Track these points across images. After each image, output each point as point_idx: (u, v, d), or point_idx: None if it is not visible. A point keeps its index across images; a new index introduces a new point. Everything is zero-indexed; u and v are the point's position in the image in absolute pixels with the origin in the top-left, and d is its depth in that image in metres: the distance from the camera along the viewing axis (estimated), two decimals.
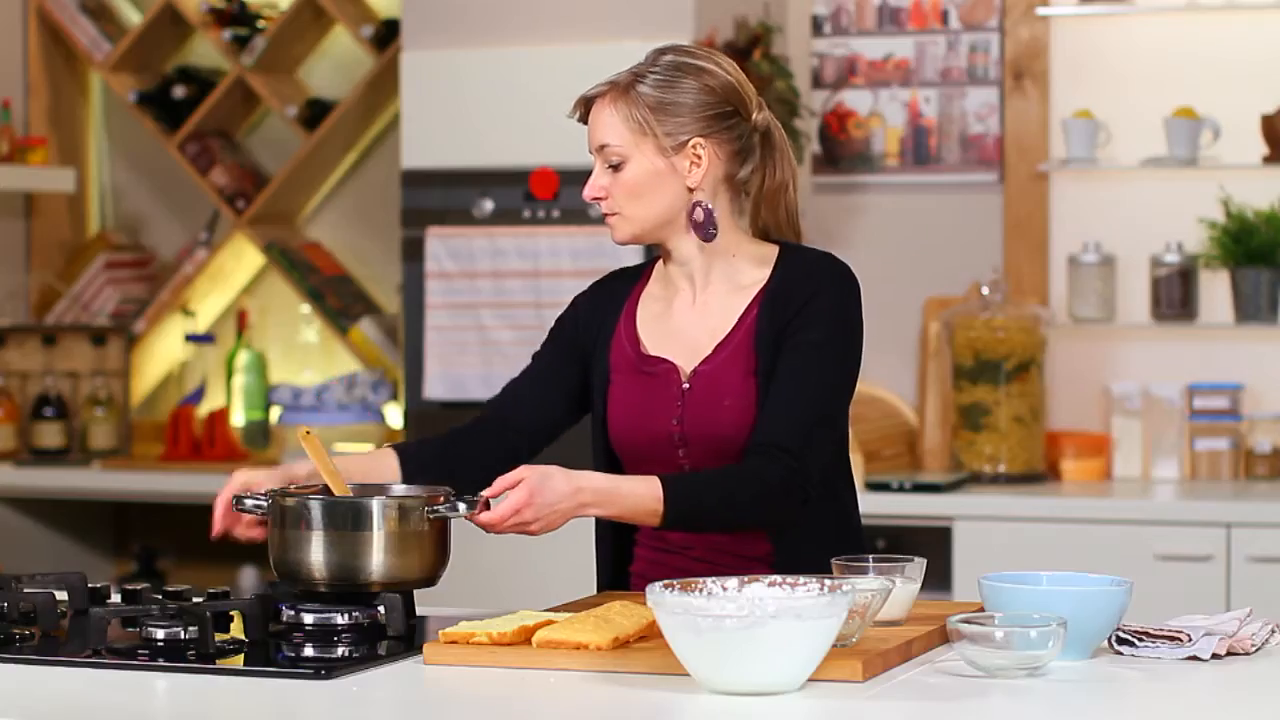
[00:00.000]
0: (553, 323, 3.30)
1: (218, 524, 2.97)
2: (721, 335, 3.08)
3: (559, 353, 3.23)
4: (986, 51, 5.49)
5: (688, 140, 3.05)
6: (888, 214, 5.56)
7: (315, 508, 2.86)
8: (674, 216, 3.08)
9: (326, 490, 2.95)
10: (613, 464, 3.14)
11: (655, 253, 3.18)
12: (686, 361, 3.09)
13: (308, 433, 2.97)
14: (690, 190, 3.07)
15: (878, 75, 5.56)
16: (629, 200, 3.06)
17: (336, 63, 6.06)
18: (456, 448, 3.16)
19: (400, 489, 3.00)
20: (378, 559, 2.85)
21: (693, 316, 3.11)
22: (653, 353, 3.12)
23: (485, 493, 2.87)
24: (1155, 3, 5.33)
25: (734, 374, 3.05)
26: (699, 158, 3.06)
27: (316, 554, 2.85)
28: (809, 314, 3.03)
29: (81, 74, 6.26)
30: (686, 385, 3.08)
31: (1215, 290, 5.33)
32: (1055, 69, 5.43)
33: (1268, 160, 5.21)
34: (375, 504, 2.86)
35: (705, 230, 3.07)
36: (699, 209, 3.07)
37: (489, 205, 5.21)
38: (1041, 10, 5.38)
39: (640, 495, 2.92)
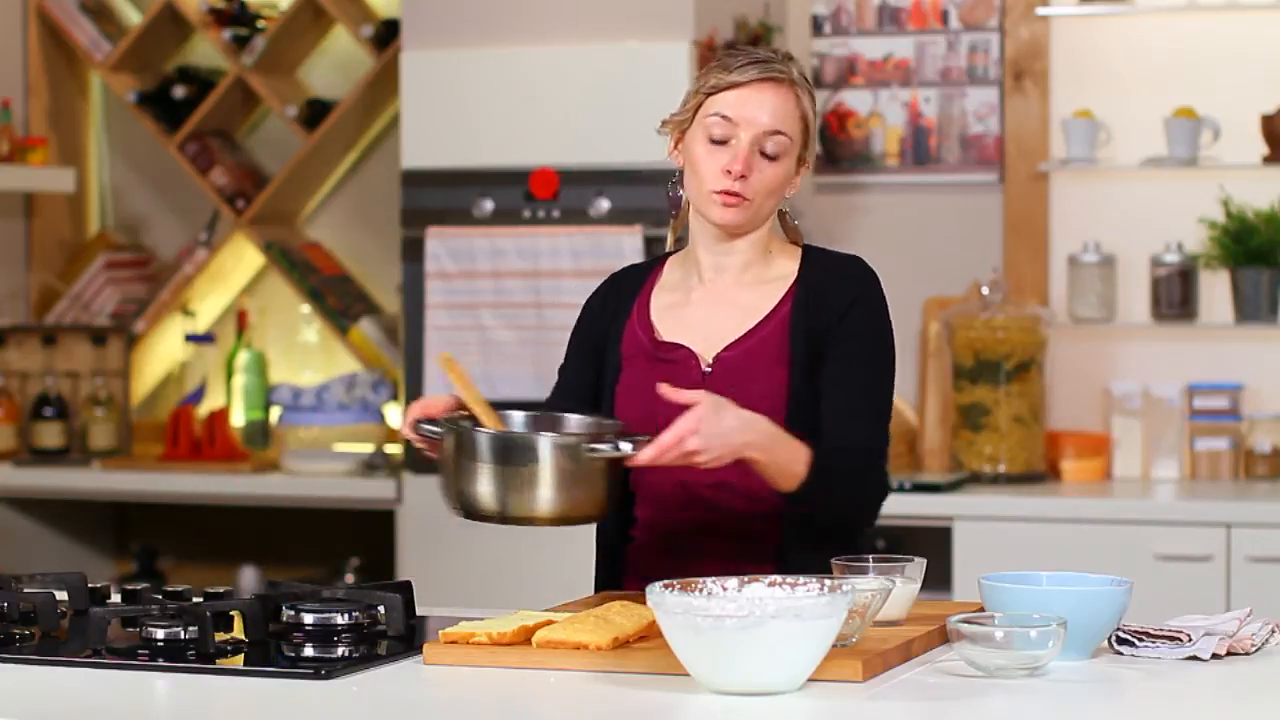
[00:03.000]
0: (570, 330, 3.29)
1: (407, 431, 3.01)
2: (750, 324, 3.09)
3: (581, 361, 3.23)
4: (986, 51, 5.49)
5: (806, 158, 3.11)
6: (888, 214, 5.56)
7: (484, 441, 2.86)
8: (766, 220, 3.12)
9: (475, 419, 2.95)
10: None
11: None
12: (704, 348, 3.09)
13: (449, 359, 2.98)
14: (785, 199, 3.12)
15: (878, 75, 5.56)
16: (766, 193, 3.06)
17: (336, 63, 6.06)
18: None
19: (575, 422, 2.99)
20: (542, 492, 2.84)
21: (716, 306, 3.11)
22: (667, 339, 3.12)
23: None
24: (1155, 3, 5.33)
25: (763, 361, 3.06)
26: (799, 173, 3.12)
27: (485, 486, 2.85)
28: (857, 319, 3.06)
29: (81, 74, 6.26)
30: (708, 369, 3.08)
31: (1215, 290, 5.33)
32: (1055, 69, 5.43)
33: (1268, 160, 5.21)
34: (543, 440, 2.85)
35: (798, 233, 3.16)
36: (790, 216, 3.16)
37: (489, 205, 5.21)
38: (1041, 10, 5.38)
39: (793, 454, 2.92)
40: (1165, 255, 5.27)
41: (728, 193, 3.03)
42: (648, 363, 3.12)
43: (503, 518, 2.87)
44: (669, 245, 3.26)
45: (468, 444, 2.87)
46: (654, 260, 3.26)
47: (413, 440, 3.01)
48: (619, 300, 3.20)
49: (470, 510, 2.88)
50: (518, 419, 3.02)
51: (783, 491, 2.96)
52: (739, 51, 3.09)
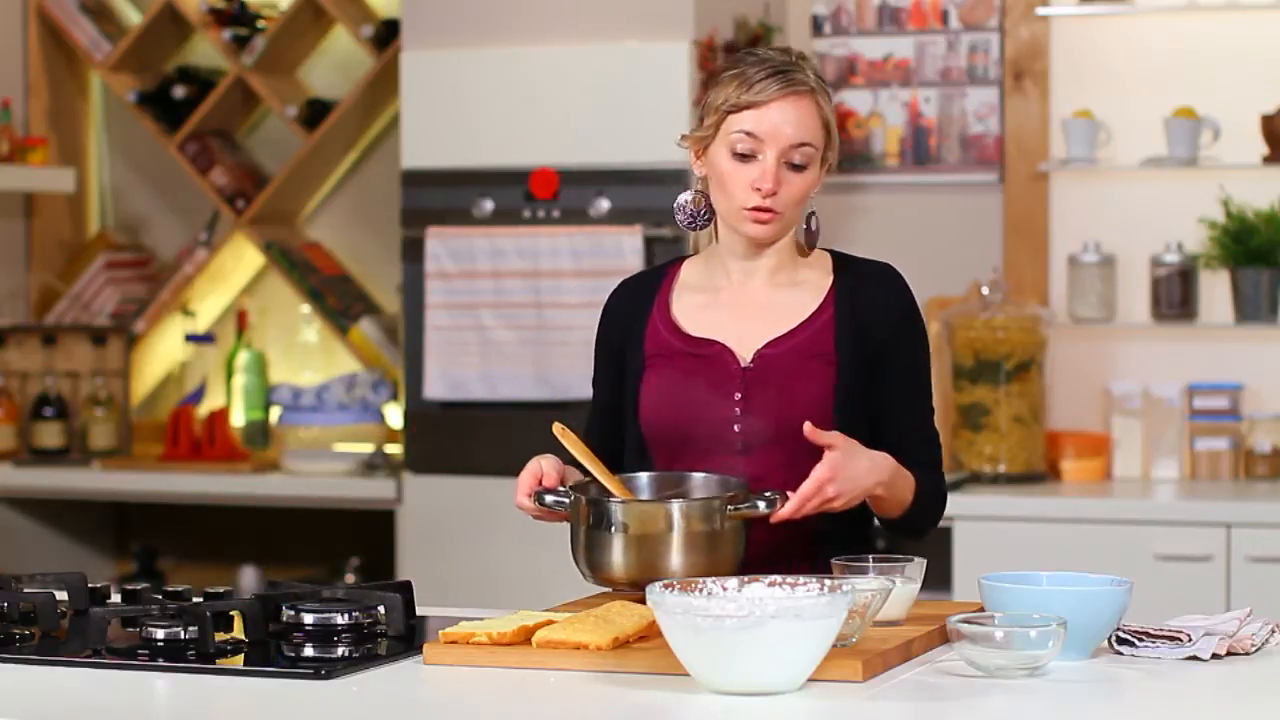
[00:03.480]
0: (593, 341, 3.29)
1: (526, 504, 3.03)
2: (791, 324, 3.10)
3: (608, 374, 3.23)
4: (986, 51, 5.49)
5: (830, 158, 3.11)
6: (888, 214, 5.56)
7: (617, 509, 2.89)
8: (795, 225, 3.13)
9: (593, 486, 2.98)
10: (644, 453, 3.14)
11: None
12: (740, 346, 3.10)
13: (564, 429, 2.99)
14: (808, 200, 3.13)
15: (878, 75, 5.56)
16: (795, 204, 3.07)
17: (336, 63, 6.06)
18: None
19: (699, 483, 3.00)
20: (677, 559, 2.86)
21: (749, 306, 3.12)
22: (699, 336, 3.13)
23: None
24: (1155, 3, 5.33)
25: (807, 361, 3.08)
26: (823, 173, 3.12)
27: (618, 554, 2.88)
28: (908, 333, 3.12)
29: (81, 74, 6.26)
30: (749, 365, 3.09)
31: (1215, 290, 5.33)
32: (1055, 69, 5.43)
33: (1268, 160, 5.21)
34: (676, 506, 2.89)
35: (814, 240, 3.14)
36: (813, 218, 3.13)
37: (489, 205, 5.21)
38: (1041, 10, 5.37)
39: (908, 484, 3.03)
40: (1165, 255, 5.27)
41: (759, 209, 3.04)
42: (677, 359, 3.13)
43: (640, 585, 2.89)
44: (692, 249, 3.26)
45: (602, 514, 2.90)
46: (664, 264, 3.26)
47: (529, 512, 3.03)
48: (635, 304, 3.20)
49: (606, 578, 2.92)
50: (642, 481, 3.04)
51: (888, 517, 3.05)
52: (755, 60, 3.07)
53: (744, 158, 3.04)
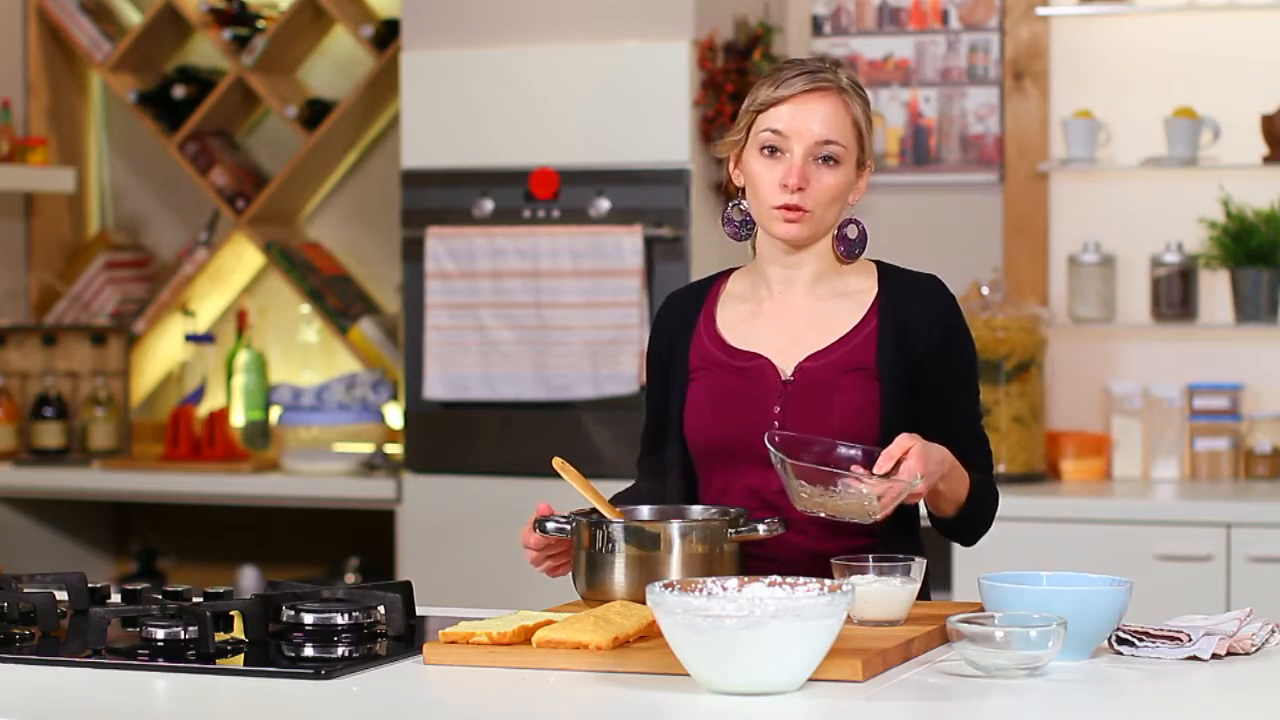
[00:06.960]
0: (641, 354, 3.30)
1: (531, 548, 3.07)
2: (834, 336, 3.10)
3: (659, 387, 3.23)
4: (986, 51, 5.49)
5: (867, 160, 3.12)
6: (888, 214, 5.56)
7: (618, 530, 2.91)
8: (832, 228, 3.12)
9: (595, 513, 2.99)
10: (688, 463, 3.16)
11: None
12: (782, 359, 3.10)
13: (563, 463, 3.01)
14: (849, 205, 3.13)
15: (878, 75, 5.56)
16: (826, 203, 3.07)
17: (336, 63, 6.06)
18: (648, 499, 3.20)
19: (698, 512, 3.02)
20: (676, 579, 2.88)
21: (790, 317, 3.13)
22: (742, 348, 3.13)
23: (877, 468, 2.86)
24: (1155, 3, 5.33)
25: (850, 374, 3.07)
26: (861, 177, 3.13)
27: (619, 574, 2.90)
28: (954, 343, 3.11)
29: (81, 74, 6.27)
30: (789, 379, 3.08)
31: (1215, 290, 5.33)
32: (1055, 69, 5.43)
33: (1268, 160, 5.21)
34: (675, 526, 2.91)
35: (854, 249, 3.13)
36: (853, 226, 3.14)
37: (489, 205, 5.21)
38: (1041, 10, 5.38)
39: (963, 482, 3.02)
40: (1165, 255, 5.27)
41: (788, 207, 3.04)
42: (720, 372, 3.13)
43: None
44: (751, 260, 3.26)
45: (602, 535, 2.92)
46: (713, 276, 3.26)
47: (533, 544, 3.05)
48: (682, 316, 3.21)
49: (604, 599, 2.92)
50: (644, 513, 3.06)
51: (944, 515, 3.05)
52: (788, 64, 3.11)
53: (772, 156, 3.05)
